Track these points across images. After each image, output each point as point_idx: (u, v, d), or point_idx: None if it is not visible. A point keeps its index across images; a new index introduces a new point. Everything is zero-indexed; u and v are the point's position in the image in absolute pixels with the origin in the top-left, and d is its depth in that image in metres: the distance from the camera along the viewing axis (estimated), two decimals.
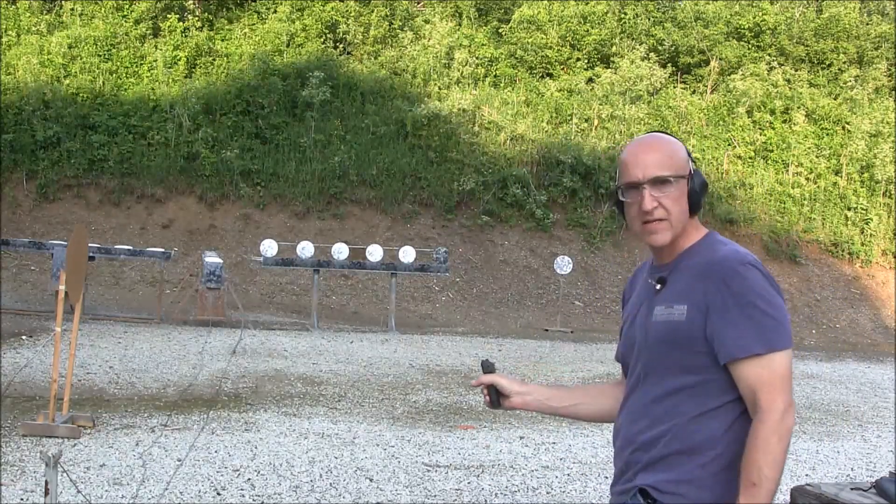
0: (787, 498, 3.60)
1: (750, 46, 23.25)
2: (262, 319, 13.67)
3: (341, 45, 21.23)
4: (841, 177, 21.04)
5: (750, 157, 21.12)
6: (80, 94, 18.26)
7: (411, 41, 21.42)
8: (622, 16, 23.44)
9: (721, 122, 21.58)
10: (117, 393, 7.95)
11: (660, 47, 22.69)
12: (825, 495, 3.32)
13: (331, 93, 19.03)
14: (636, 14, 23.58)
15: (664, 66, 22.40)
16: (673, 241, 2.01)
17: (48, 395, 6.48)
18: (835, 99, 22.54)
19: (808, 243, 19.86)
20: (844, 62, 23.29)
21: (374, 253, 13.82)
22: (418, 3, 23.29)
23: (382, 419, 7.51)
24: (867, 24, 24.20)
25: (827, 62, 23.40)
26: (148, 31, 20.14)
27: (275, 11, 21.32)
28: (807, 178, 20.99)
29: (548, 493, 5.67)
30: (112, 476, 5.38)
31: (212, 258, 13.42)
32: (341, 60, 20.60)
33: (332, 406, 7.92)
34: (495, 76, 21.66)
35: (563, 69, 22.15)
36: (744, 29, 23.38)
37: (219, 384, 8.55)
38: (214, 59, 20.06)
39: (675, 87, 22.48)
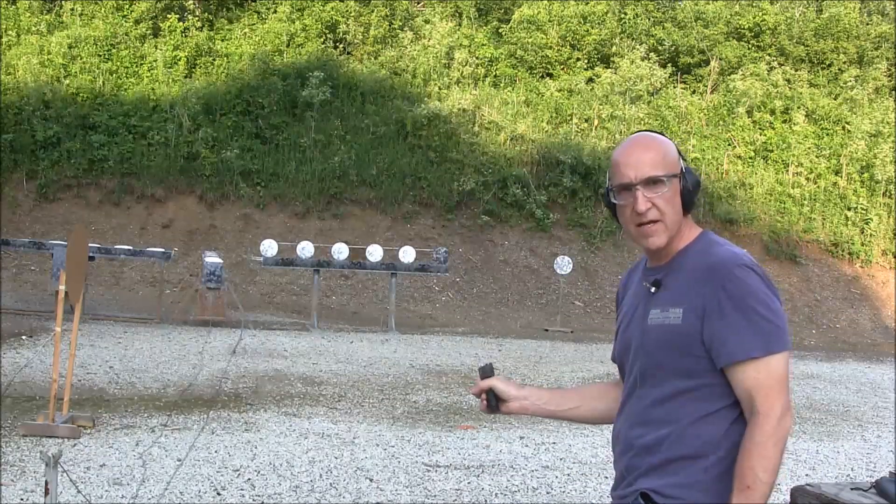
0: (787, 498, 3.59)
1: (750, 46, 23.25)
2: (262, 319, 13.67)
3: (341, 45, 21.22)
4: (841, 177, 21.03)
5: (750, 157, 21.12)
6: (80, 94, 18.26)
7: (411, 41, 21.42)
8: (622, 16, 23.44)
9: (721, 122, 21.58)
10: (117, 393, 7.95)
11: (660, 47, 22.68)
12: (825, 495, 3.32)
13: (331, 93, 19.03)
14: (636, 14, 23.58)
15: (664, 66, 22.40)
16: (668, 242, 1.98)
17: (48, 395, 6.48)
18: (835, 99, 22.53)
19: (808, 243, 19.86)
20: (844, 62, 23.28)
21: (374, 253, 13.82)
22: (418, 3, 23.28)
23: (382, 419, 7.51)
24: (867, 24, 24.20)
25: (827, 62, 23.39)
26: (148, 31, 20.13)
27: (275, 11, 21.31)
28: (807, 178, 20.98)
29: (548, 493, 5.67)
30: (112, 476, 5.38)
31: (212, 258, 13.42)
32: (341, 60, 20.60)
33: (332, 406, 7.92)
34: (495, 76, 21.66)
35: (563, 69, 22.15)
36: (744, 29, 23.37)
37: (219, 384, 8.55)
38: (214, 59, 20.06)
39: (675, 87, 22.47)
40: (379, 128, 19.09)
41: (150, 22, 20.28)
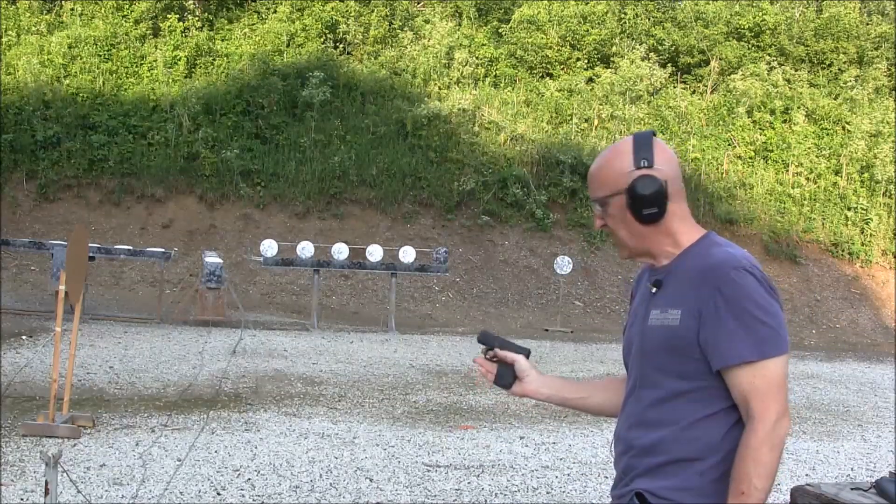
0: (787, 498, 3.59)
1: (750, 46, 23.24)
2: (262, 319, 13.67)
3: (341, 45, 21.22)
4: (841, 177, 21.03)
5: (750, 157, 21.12)
6: (80, 94, 18.26)
7: (411, 41, 21.42)
8: (622, 16, 23.43)
9: (721, 122, 21.58)
10: (117, 393, 7.95)
11: (660, 47, 22.68)
12: (825, 495, 3.32)
13: (331, 93, 19.03)
14: (636, 14, 23.57)
15: (664, 66, 22.40)
16: (642, 254, 2.02)
17: (48, 395, 6.47)
18: (835, 99, 22.53)
19: (808, 243, 19.86)
20: (844, 62, 23.28)
21: (374, 253, 13.82)
22: (418, 3, 23.29)
23: (382, 419, 7.51)
24: (867, 24, 24.20)
25: (827, 62, 23.39)
26: (148, 31, 20.13)
27: (275, 11, 21.32)
28: (807, 178, 20.98)
29: (548, 493, 5.66)
30: (112, 476, 5.38)
31: (212, 258, 13.42)
32: (341, 60, 20.60)
33: (332, 406, 7.92)
34: (495, 76, 21.66)
35: (563, 69, 22.15)
36: (744, 29, 23.37)
37: (219, 384, 8.55)
38: (214, 59, 20.06)
39: (675, 87, 22.48)
40: (379, 128, 19.09)
41: (150, 22, 20.29)
